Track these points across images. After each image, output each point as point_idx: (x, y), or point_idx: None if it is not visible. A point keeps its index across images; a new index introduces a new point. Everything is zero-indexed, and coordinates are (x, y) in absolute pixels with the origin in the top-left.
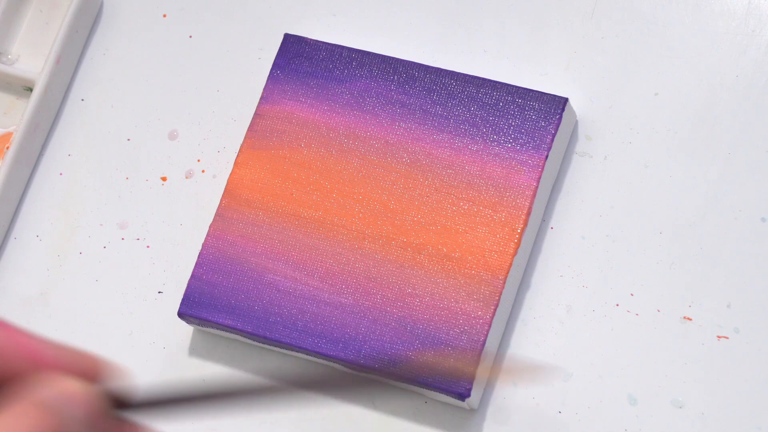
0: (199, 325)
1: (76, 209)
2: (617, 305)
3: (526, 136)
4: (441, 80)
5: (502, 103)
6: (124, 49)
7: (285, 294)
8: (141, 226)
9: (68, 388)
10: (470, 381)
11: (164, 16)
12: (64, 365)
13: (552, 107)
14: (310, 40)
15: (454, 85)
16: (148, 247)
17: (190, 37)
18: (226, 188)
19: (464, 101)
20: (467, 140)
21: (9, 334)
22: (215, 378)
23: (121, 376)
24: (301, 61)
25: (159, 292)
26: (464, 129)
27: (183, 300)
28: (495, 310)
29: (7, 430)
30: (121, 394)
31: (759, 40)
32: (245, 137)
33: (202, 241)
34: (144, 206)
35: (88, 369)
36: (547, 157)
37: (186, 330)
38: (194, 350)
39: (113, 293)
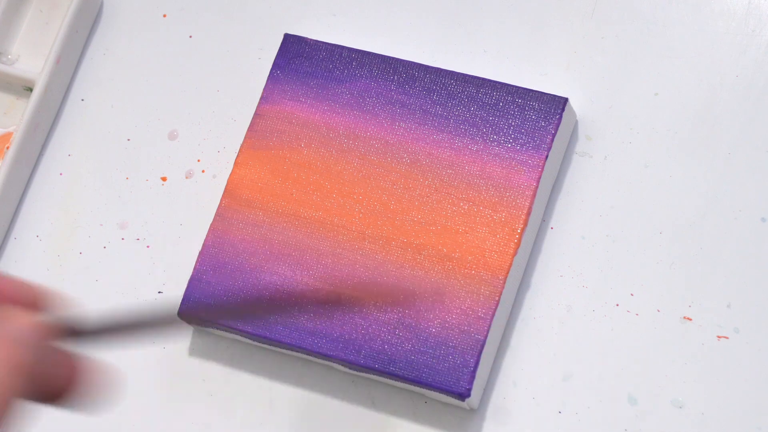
0: (199, 325)
1: (76, 209)
2: (617, 305)
3: (526, 136)
4: (441, 80)
5: (502, 103)
6: (124, 49)
7: (285, 294)
8: (141, 226)
9: (25, 320)
10: (471, 378)
11: (164, 16)
12: (13, 296)
13: (552, 107)
14: (310, 40)
15: (454, 85)
16: (148, 247)
17: (190, 37)
18: (226, 188)
19: (464, 101)
20: (467, 140)
21: None
22: (156, 304)
23: (68, 304)
24: (301, 61)
25: (159, 292)
26: (464, 129)
27: (183, 300)
28: (495, 310)
29: None
30: (70, 323)
31: (759, 40)
32: (245, 137)
33: (202, 241)
34: (144, 206)
35: (35, 299)
36: (547, 157)
37: (186, 330)
38: (194, 350)
39: (113, 293)
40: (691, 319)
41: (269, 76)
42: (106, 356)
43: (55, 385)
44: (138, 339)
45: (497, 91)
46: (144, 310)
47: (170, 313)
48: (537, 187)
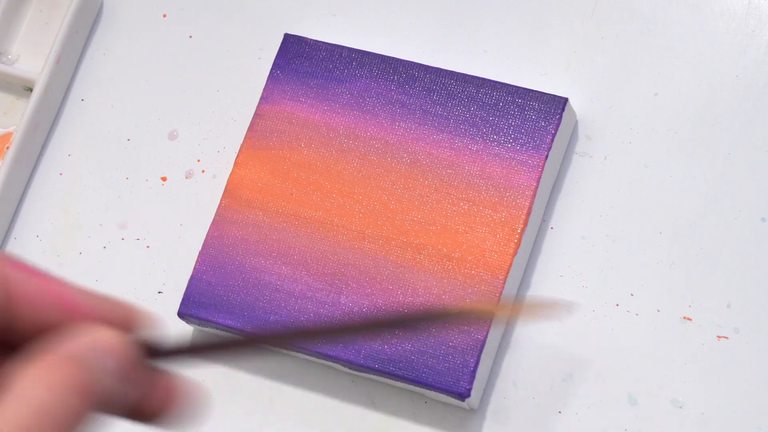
0: (199, 325)
1: (76, 209)
2: (617, 305)
3: (526, 136)
4: (441, 80)
5: (502, 103)
6: (124, 49)
7: (285, 294)
8: (141, 226)
9: (101, 339)
10: (471, 378)
11: (164, 16)
12: (97, 314)
13: (552, 107)
14: (310, 40)
15: (454, 85)
16: (148, 247)
17: (190, 37)
18: (226, 188)
19: (464, 101)
20: (467, 140)
21: (42, 283)
22: (242, 330)
23: (154, 324)
24: (301, 61)
25: (159, 292)
26: (464, 129)
27: (183, 300)
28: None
29: (36, 383)
30: (153, 343)
31: (759, 40)
32: (245, 137)
33: (202, 241)
34: (144, 206)
35: (121, 318)
36: (547, 157)
37: (186, 330)
38: None
39: (113, 293)
40: (691, 319)
41: (269, 76)
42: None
43: (148, 405)
44: (218, 360)
45: (497, 91)
46: (225, 334)
47: (253, 336)
48: (537, 187)
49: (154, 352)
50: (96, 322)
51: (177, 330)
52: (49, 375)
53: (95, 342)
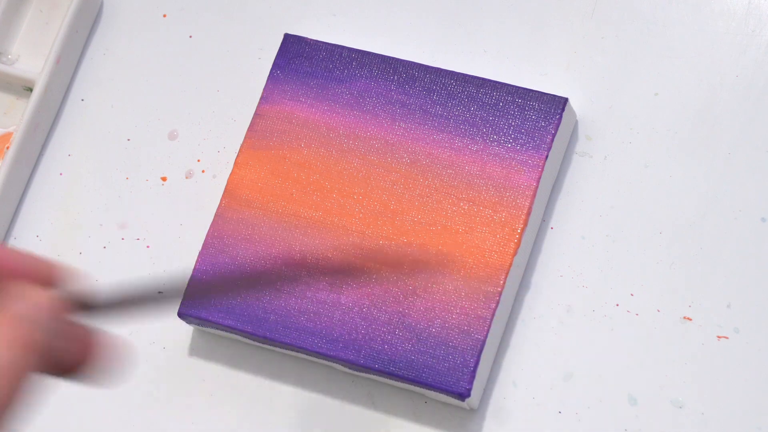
0: (199, 325)
1: (76, 209)
2: (617, 305)
3: (526, 136)
4: (441, 80)
5: (502, 103)
6: (124, 49)
7: (285, 294)
8: (141, 226)
9: (41, 297)
10: (471, 378)
11: (164, 16)
12: (27, 272)
13: (552, 107)
14: (310, 40)
15: (454, 85)
16: (148, 247)
17: (190, 37)
18: (226, 188)
19: (464, 101)
20: (467, 140)
21: None
22: (168, 278)
23: (80, 279)
24: (301, 61)
25: (159, 292)
26: (464, 129)
27: (183, 300)
28: (495, 309)
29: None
30: (83, 298)
31: (759, 40)
32: (245, 137)
33: (202, 241)
34: (144, 206)
35: (48, 274)
36: (547, 157)
37: (186, 330)
38: (194, 350)
39: None
40: (691, 319)
41: (269, 76)
42: (115, 330)
43: (70, 359)
44: (147, 312)
45: (497, 91)
46: (152, 284)
47: (179, 285)
48: (537, 187)
49: (82, 306)
50: (26, 279)
51: (177, 330)
52: (7, 334)
53: (37, 300)
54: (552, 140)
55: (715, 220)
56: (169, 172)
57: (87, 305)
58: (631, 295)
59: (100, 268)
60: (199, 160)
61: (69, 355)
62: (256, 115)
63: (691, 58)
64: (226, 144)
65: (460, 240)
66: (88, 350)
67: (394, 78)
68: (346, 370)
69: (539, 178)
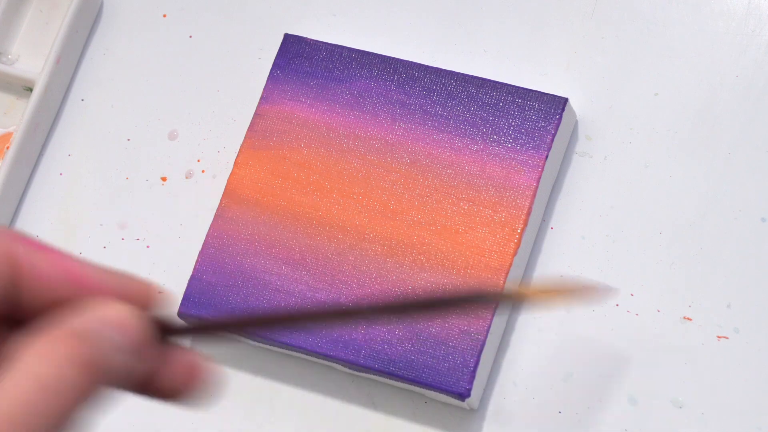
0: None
1: (76, 209)
2: (617, 305)
3: (526, 136)
4: (441, 80)
5: (502, 103)
6: (124, 49)
7: (285, 294)
8: (141, 226)
9: (108, 314)
10: (470, 378)
11: (164, 16)
12: (110, 290)
13: (552, 107)
14: (310, 40)
15: (454, 85)
16: (148, 247)
17: (190, 37)
18: (226, 188)
19: (464, 101)
20: (467, 140)
21: (54, 259)
22: (259, 308)
23: (168, 302)
24: (301, 61)
25: (159, 292)
26: (464, 129)
27: (183, 300)
28: (495, 309)
29: (38, 357)
30: (169, 321)
31: (759, 40)
32: (245, 137)
33: (202, 241)
34: (144, 206)
35: (136, 294)
36: (547, 157)
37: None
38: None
39: None
40: (691, 319)
41: (269, 76)
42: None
43: (165, 381)
44: (230, 341)
45: (497, 91)
46: (241, 314)
47: (264, 317)
48: (537, 187)
49: (170, 329)
50: (108, 297)
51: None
52: (52, 349)
53: (102, 316)
54: (552, 140)
55: (715, 220)
56: (169, 172)
57: (172, 329)
58: (631, 295)
59: None
60: (199, 160)
61: (163, 378)
62: (256, 115)
63: (691, 58)
64: (226, 144)
65: (460, 240)
66: (185, 374)
67: (394, 78)
68: (346, 370)
69: (539, 178)
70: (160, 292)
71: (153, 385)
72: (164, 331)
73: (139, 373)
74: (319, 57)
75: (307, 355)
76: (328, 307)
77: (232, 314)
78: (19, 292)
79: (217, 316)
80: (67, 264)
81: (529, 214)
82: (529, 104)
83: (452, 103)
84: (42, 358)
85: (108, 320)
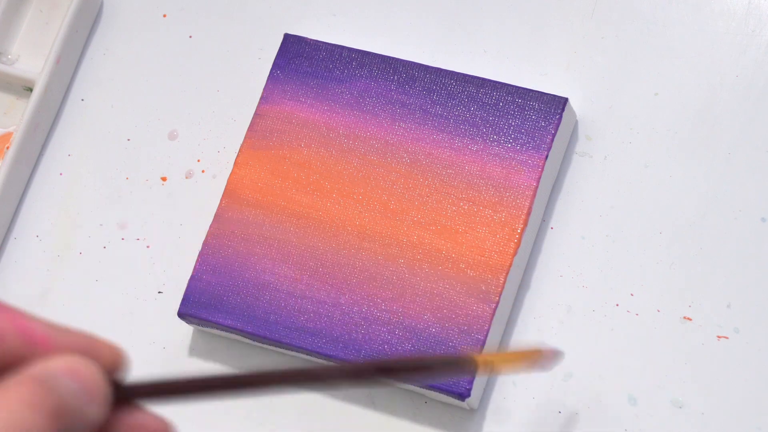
0: (199, 325)
1: (76, 209)
2: (617, 305)
3: (526, 136)
4: (441, 80)
5: (502, 103)
6: (124, 49)
7: (285, 294)
8: (141, 226)
9: (65, 362)
10: (471, 378)
11: (164, 16)
12: (70, 348)
13: (552, 107)
14: (310, 40)
15: (454, 85)
16: (148, 247)
17: (190, 37)
18: (226, 188)
19: (464, 101)
20: (467, 140)
21: (10, 318)
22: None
23: (125, 362)
24: (301, 61)
25: (159, 292)
26: (464, 129)
27: (183, 300)
28: (495, 310)
29: (1, 405)
30: (122, 380)
31: (759, 40)
32: (245, 137)
33: (202, 241)
34: (144, 206)
35: (89, 350)
36: (547, 157)
37: (186, 330)
38: (194, 350)
39: (113, 293)
40: (691, 319)
41: (269, 76)
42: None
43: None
44: (189, 399)
45: (497, 91)
46: (196, 375)
47: (233, 378)
48: (537, 187)
49: (122, 388)
50: (62, 352)
51: (177, 330)
52: (14, 395)
53: (59, 364)
54: (552, 140)
55: (715, 220)
56: (169, 172)
57: (124, 388)
58: (631, 295)
59: (100, 268)
60: (199, 160)
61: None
62: (256, 115)
63: (691, 58)
64: (226, 144)
65: (460, 240)
66: (132, 429)
67: (394, 78)
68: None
69: (539, 178)
70: (113, 348)
71: None
72: (125, 391)
73: (94, 422)
74: (319, 57)
75: (307, 355)
76: (298, 371)
77: (186, 377)
78: None
79: (172, 378)
80: (22, 322)
81: (529, 214)
82: (529, 104)
83: (452, 103)
84: (4, 405)
85: (65, 367)
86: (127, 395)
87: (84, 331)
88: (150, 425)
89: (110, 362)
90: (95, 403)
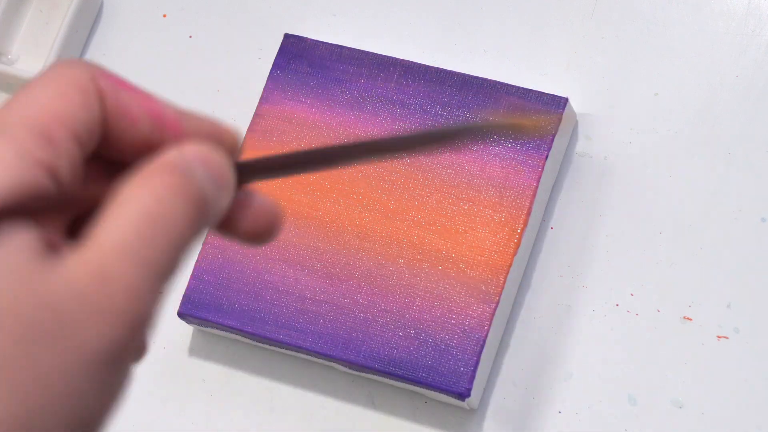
0: (199, 325)
1: None
2: (617, 305)
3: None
4: (441, 80)
5: (503, 103)
6: (124, 49)
7: (285, 294)
8: None
9: (200, 151)
10: (470, 378)
11: (164, 16)
12: (191, 131)
13: (552, 107)
14: (310, 40)
15: (454, 85)
16: None
17: (190, 37)
18: None
19: (464, 101)
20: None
21: (140, 98)
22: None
23: (240, 145)
24: (301, 61)
25: (238, 136)
26: None
27: (183, 300)
28: (495, 309)
29: (142, 192)
30: (243, 160)
31: (759, 40)
32: (245, 137)
33: (202, 241)
34: None
35: (213, 135)
36: (547, 157)
37: (186, 330)
38: (194, 350)
39: None
40: (691, 319)
41: (269, 76)
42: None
43: (245, 225)
44: (305, 172)
45: (497, 91)
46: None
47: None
48: (537, 187)
49: (247, 170)
50: (190, 138)
51: (177, 330)
52: (155, 183)
53: (195, 152)
54: (552, 140)
55: (715, 220)
56: None
57: (250, 169)
58: (631, 295)
59: None
60: None
61: (239, 217)
62: (256, 115)
63: (691, 58)
64: None
65: (460, 240)
66: (257, 213)
67: (394, 78)
68: (346, 370)
69: (539, 178)
70: (234, 133)
71: (235, 226)
72: (240, 174)
73: (225, 210)
74: (319, 57)
75: (307, 355)
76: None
77: (290, 153)
78: (107, 130)
79: (279, 155)
80: (152, 104)
81: (529, 214)
82: (529, 104)
83: (452, 103)
84: (148, 192)
85: (200, 156)
86: (242, 178)
87: (203, 114)
88: (265, 205)
89: (231, 146)
90: (226, 191)
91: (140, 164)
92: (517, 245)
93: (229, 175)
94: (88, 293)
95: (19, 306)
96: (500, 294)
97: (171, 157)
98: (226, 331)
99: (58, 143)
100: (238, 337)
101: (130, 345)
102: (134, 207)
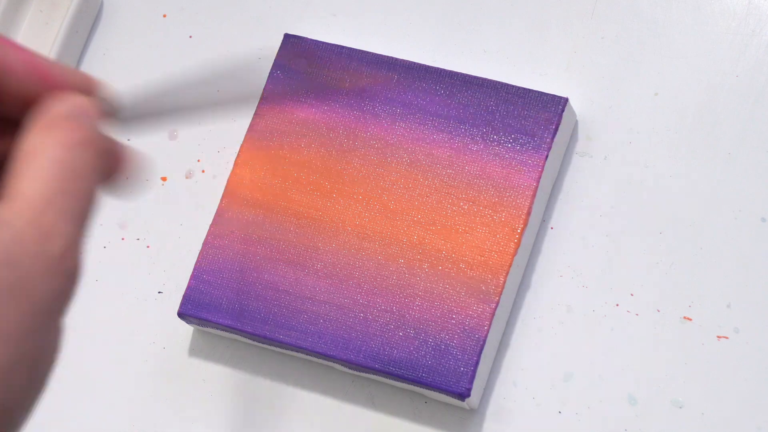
0: (199, 325)
1: None
2: (617, 305)
3: (526, 136)
4: (441, 80)
5: (502, 103)
6: (124, 49)
7: (285, 294)
8: (141, 226)
9: (81, 102)
10: (471, 378)
11: (164, 16)
12: (68, 84)
13: (552, 107)
14: (310, 40)
15: (454, 85)
16: (148, 247)
17: (190, 37)
18: (226, 188)
19: (464, 101)
20: (467, 140)
21: (23, 54)
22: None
23: (107, 89)
24: (301, 61)
25: (159, 292)
26: (464, 129)
27: (183, 300)
28: (495, 309)
29: (50, 144)
30: (113, 106)
31: (759, 40)
32: (245, 137)
33: (202, 241)
34: (144, 206)
35: (85, 85)
36: (547, 157)
37: (186, 330)
38: (194, 350)
39: (113, 293)
40: (691, 319)
41: (269, 76)
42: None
43: (108, 166)
44: (174, 121)
45: (497, 91)
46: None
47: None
48: (537, 187)
49: (113, 115)
50: (68, 90)
51: (177, 330)
52: (59, 135)
53: (79, 105)
54: (552, 140)
55: (715, 220)
56: (169, 172)
57: (116, 114)
58: (631, 295)
59: (100, 268)
60: (199, 160)
61: (108, 163)
62: (256, 115)
63: (691, 58)
64: (226, 144)
65: (460, 240)
66: (120, 159)
67: (394, 78)
68: (346, 370)
69: (539, 178)
70: (100, 82)
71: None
72: (109, 115)
73: (115, 151)
74: (319, 57)
75: (307, 355)
76: None
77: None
78: None
79: (152, 96)
80: (34, 60)
81: (529, 214)
82: (529, 104)
83: (452, 103)
84: (55, 143)
85: (83, 108)
86: (116, 121)
87: (65, 65)
88: (130, 153)
89: (93, 91)
90: (102, 136)
91: (33, 117)
92: (517, 245)
93: (108, 126)
94: (34, 248)
95: None
96: (500, 294)
97: (63, 108)
98: (226, 331)
99: None
100: (238, 337)
101: (70, 296)
102: (47, 158)
